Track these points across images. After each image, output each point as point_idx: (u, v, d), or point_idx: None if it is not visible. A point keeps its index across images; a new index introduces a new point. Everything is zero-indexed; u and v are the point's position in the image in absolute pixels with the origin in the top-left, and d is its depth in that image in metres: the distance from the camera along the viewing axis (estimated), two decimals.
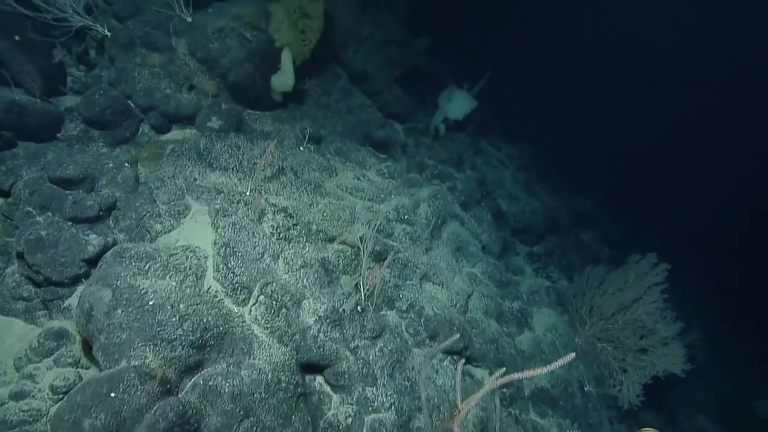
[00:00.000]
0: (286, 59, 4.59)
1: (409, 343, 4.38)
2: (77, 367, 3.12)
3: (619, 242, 10.44)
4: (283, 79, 4.71)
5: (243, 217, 3.94)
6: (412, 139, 7.01)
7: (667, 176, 14.93)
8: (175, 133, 4.51)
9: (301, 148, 5.06)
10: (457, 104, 7.03)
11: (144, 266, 3.23)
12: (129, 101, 4.39)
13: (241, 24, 4.68)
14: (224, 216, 3.89)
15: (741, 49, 18.53)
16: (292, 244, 4.05)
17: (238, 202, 4.04)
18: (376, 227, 4.74)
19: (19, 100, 3.72)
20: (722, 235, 13.22)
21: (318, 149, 5.33)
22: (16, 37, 4.05)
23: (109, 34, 4.57)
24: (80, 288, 3.37)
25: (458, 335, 3.12)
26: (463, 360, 4.39)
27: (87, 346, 3.02)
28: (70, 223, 3.38)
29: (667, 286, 6.06)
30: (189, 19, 4.90)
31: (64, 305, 3.32)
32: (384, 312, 4.40)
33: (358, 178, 5.25)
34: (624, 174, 13.44)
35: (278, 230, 4.03)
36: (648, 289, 5.69)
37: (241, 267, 3.63)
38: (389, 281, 4.56)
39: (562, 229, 9.15)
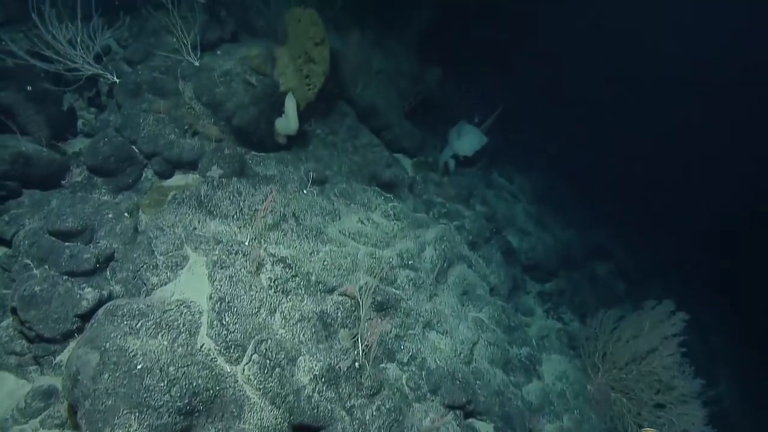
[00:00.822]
0: (290, 105, 4.58)
1: (410, 398, 4.23)
2: (63, 429, 3.07)
3: (636, 276, 10.14)
4: (287, 124, 4.70)
5: (240, 269, 3.89)
6: (420, 174, 6.93)
7: (687, 205, 14.53)
8: (178, 179, 4.52)
9: (305, 191, 5.02)
10: (467, 140, 6.95)
11: (136, 325, 3.18)
12: (134, 146, 4.43)
13: (246, 68, 4.70)
14: (221, 268, 3.84)
15: (741, 50, 18.10)
16: (290, 296, 3.97)
17: (236, 253, 3.99)
18: (377, 275, 4.64)
19: (25, 150, 3.77)
20: (747, 264, 12.78)
21: (322, 191, 5.29)
22: (29, 87, 4.14)
23: (117, 80, 4.64)
24: (72, 344, 3.33)
25: (450, 416, 2.97)
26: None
27: (73, 410, 2.97)
28: (66, 277, 3.37)
29: (685, 338, 5.79)
30: (197, 63, 4.96)
31: (55, 361, 3.28)
32: (384, 365, 4.27)
33: (362, 222, 5.17)
34: (642, 200, 13.13)
35: (276, 282, 3.96)
36: (664, 340, 5.43)
37: (235, 323, 3.56)
38: (390, 332, 4.44)
39: (576, 264, 8.92)
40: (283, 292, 3.97)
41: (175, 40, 4.78)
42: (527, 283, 7.56)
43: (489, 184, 8.36)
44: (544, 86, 13.81)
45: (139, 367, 2.92)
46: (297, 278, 4.09)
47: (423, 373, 4.41)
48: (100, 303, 3.39)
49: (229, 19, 6.31)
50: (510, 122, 12.38)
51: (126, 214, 3.90)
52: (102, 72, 4.50)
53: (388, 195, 5.98)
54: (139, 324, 3.19)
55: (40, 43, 4.06)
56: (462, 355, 4.84)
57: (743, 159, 16.45)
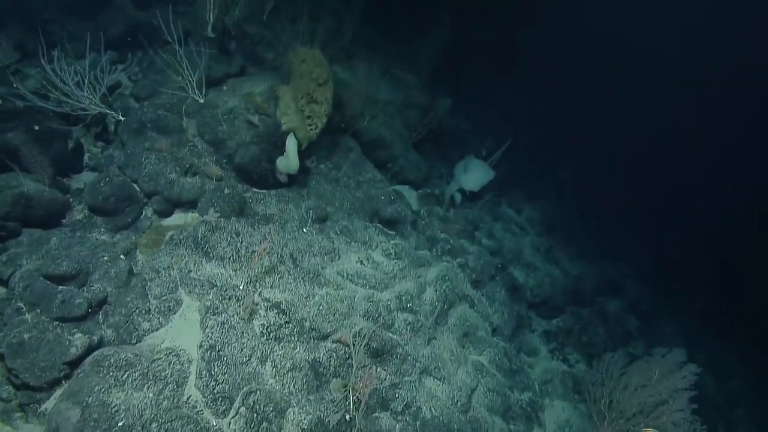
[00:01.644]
0: (291, 145, 4.58)
1: None
2: None
3: (649, 312, 9.84)
4: (287, 164, 4.69)
5: (233, 316, 3.85)
6: (425, 208, 6.86)
7: (705, 232, 14.11)
8: (177, 218, 4.53)
9: (305, 230, 4.99)
10: (474, 175, 6.87)
11: (122, 376, 3.15)
12: (135, 185, 4.46)
13: (248, 108, 4.73)
14: (214, 314, 3.81)
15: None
16: (282, 344, 3.91)
17: (230, 299, 3.96)
18: (374, 320, 4.56)
19: (27, 191, 3.81)
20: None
21: (323, 229, 5.25)
22: (36, 127, 4.21)
23: (122, 118, 4.70)
24: (58, 391, 3.31)
25: None
26: None
27: None
28: (56, 323, 3.37)
29: (699, 381, 5.56)
30: (201, 101, 5.00)
31: (41, 409, 3.26)
32: (377, 414, 4.16)
33: (362, 262, 5.11)
34: (657, 228, 12.79)
35: (269, 329, 3.91)
36: (675, 393, 5.20)
37: (225, 373, 3.51)
38: (385, 379, 4.34)
39: (585, 300, 8.69)
40: (275, 340, 3.91)
41: (180, 78, 4.83)
42: (533, 321, 7.38)
43: (496, 216, 8.24)
44: (556, 112, 13.74)
45: (120, 424, 2.88)
46: (290, 324, 4.03)
47: (417, 423, 4.28)
48: (90, 349, 3.37)
49: (237, 52, 6.42)
50: (522, 148, 12.34)
51: (122, 256, 3.90)
52: (108, 110, 4.57)
53: (390, 232, 5.92)
54: (126, 375, 3.15)
55: (48, 84, 4.14)
56: (459, 403, 4.70)
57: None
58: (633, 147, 15.10)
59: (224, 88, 5.39)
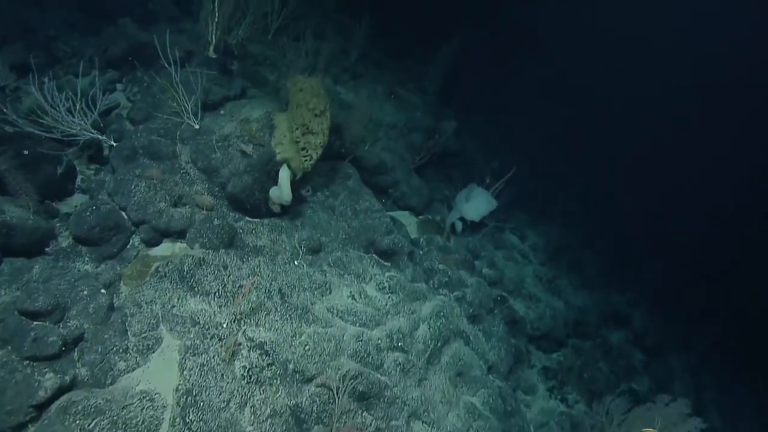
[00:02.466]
0: (284, 177, 4.46)
1: None
2: None
3: (656, 345, 9.52)
4: (280, 195, 4.57)
5: (214, 357, 3.71)
6: (425, 237, 6.70)
7: (717, 259, 13.68)
8: (165, 248, 4.42)
9: (296, 262, 4.86)
10: (475, 205, 6.71)
11: (89, 425, 3.02)
12: (124, 212, 4.37)
13: (243, 137, 4.62)
14: (194, 355, 3.67)
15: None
16: (263, 387, 3.76)
17: (211, 338, 3.82)
18: (362, 361, 4.40)
19: (8, 220, 3.73)
20: None
21: (316, 260, 5.11)
22: (25, 152, 4.14)
23: (114, 144, 4.63)
24: None
25: None
26: None
27: None
28: (27, 362, 3.26)
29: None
30: (196, 126, 4.91)
31: None
32: None
33: (354, 297, 4.96)
34: (668, 255, 12.43)
35: (250, 372, 3.76)
36: None
37: (200, 420, 3.37)
38: (370, 424, 4.16)
39: (588, 332, 8.44)
40: (256, 383, 3.76)
41: (175, 104, 4.75)
42: (532, 355, 7.16)
43: (499, 244, 8.05)
44: (563, 132, 13.57)
45: None
46: (273, 366, 3.88)
47: None
48: (61, 390, 3.25)
49: (239, 73, 6.34)
50: (529, 168, 12.15)
51: (103, 290, 3.79)
52: (100, 136, 4.49)
53: (386, 263, 5.76)
54: (93, 424, 3.03)
55: (38, 110, 4.07)
56: None
57: None
58: (643, 165, 14.81)
59: (222, 112, 5.30)
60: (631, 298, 10.54)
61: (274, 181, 4.70)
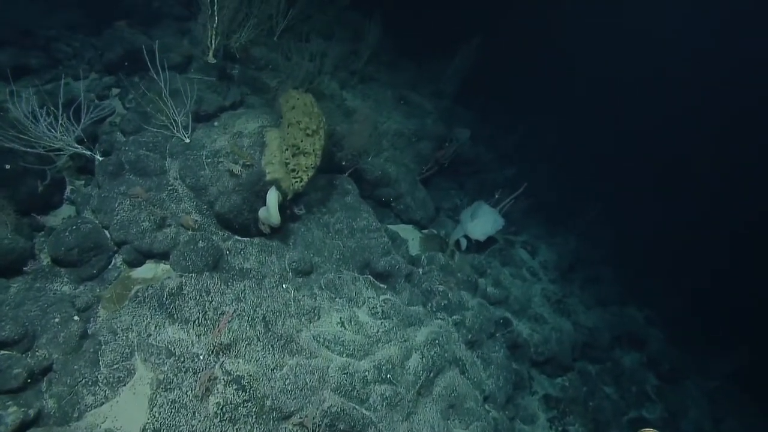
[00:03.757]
0: (272, 199, 4.25)
1: None
2: None
3: (672, 370, 9.06)
4: (268, 217, 4.37)
5: (187, 392, 3.56)
6: (426, 254, 6.42)
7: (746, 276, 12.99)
8: (147, 270, 4.27)
9: (284, 286, 4.66)
10: (480, 224, 6.39)
11: None
12: (106, 231, 4.23)
13: (230, 155, 4.42)
14: (166, 390, 3.53)
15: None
16: (237, 426, 3.60)
17: (186, 371, 3.67)
18: (346, 395, 4.21)
19: None
20: None
21: (307, 282, 4.91)
22: (7, 166, 4.03)
23: (100, 159, 4.48)
24: None
25: None
26: None
27: None
28: None
29: None
30: (187, 140, 4.73)
31: None
32: None
33: (344, 324, 4.75)
34: (695, 266, 11.75)
35: (224, 409, 3.60)
36: None
37: None
38: None
39: (598, 355, 8.09)
40: (230, 421, 3.60)
41: (164, 118, 4.57)
42: (535, 381, 6.87)
43: (506, 260, 7.72)
44: (585, 136, 13.03)
45: None
46: (249, 403, 3.71)
47: None
48: (23, 426, 3.15)
49: (240, 79, 6.13)
50: (546, 175, 11.72)
51: (76, 317, 3.67)
52: (85, 151, 4.35)
53: (381, 285, 5.53)
54: None
55: (19, 126, 3.93)
56: None
57: None
58: (675, 171, 14.12)
59: (216, 124, 5.10)
60: (650, 316, 10.10)
61: (264, 201, 4.49)
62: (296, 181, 4.32)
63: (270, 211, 4.29)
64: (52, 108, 4.05)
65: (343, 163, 6.05)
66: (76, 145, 4.26)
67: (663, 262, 11.46)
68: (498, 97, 12.78)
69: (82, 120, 4.28)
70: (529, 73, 13.63)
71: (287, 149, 4.21)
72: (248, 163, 4.38)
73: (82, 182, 4.93)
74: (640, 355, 9.01)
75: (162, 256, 4.30)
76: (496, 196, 7.02)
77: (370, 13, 10.73)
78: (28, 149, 4.03)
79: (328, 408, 3.99)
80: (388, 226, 6.66)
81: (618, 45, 14.56)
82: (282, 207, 4.55)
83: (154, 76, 4.73)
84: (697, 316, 10.39)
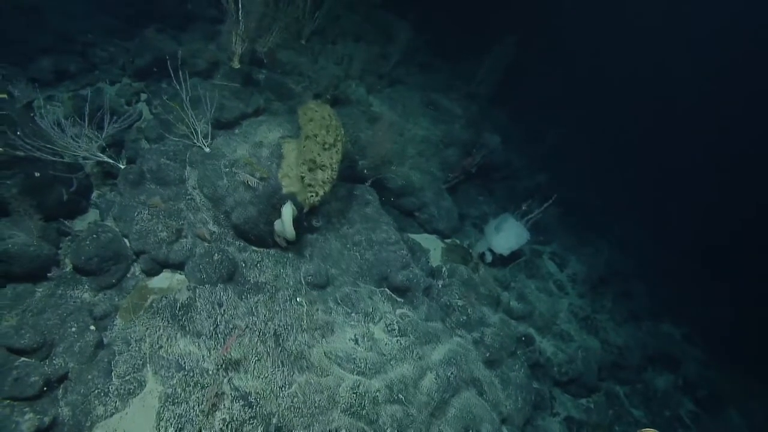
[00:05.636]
0: (287, 213, 4.20)
1: None
2: None
3: (710, 395, 8.54)
4: (282, 231, 4.33)
5: (194, 407, 3.58)
6: (448, 266, 6.25)
7: None
8: (163, 279, 4.32)
9: (298, 300, 4.63)
10: (505, 238, 6.16)
11: None
12: (126, 239, 4.31)
13: (247, 169, 4.39)
14: (174, 404, 3.56)
15: None
16: None
17: (194, 385, 3.69)
18: (356, 415, 4.14)
19: (10, 249, 3.74)
20: None
21: (322, 295, 4.86)
22: (37, 174, 4.15)
23: (123, 166, 4.56)
24: None
25: None
26: None
27: None
28: (7, 402, 3.26)
29: None
30: (207, 149, 4.74)
31: None
32: None
33: (357, 340, 4.68)
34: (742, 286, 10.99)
35: (229, 426, 3.60)
36: None
37: None
38: None
39: (628, 375, 7.70)
40: None
41: (184, 127, 4.59)
42: (557, 401, 6.60)
43: (533, 272, 7.44)
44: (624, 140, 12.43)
45: None
46: (255, 420, 3.70)
47: None
48: (38, 431, 3.25)
49: (265, 84, 6.10)
50: (580, 184, 11.26)
51: (92, 327, 3.75)
52: (108, 159, 4.43)
53: (399, 300, 5.41)
54: None
55: (47, 136, 4.04)
56: None
57: None
58: (725, 175, 13.28)
59: (236, 132, 5.11)
60: (688, 333, 9.55)
61: (280, 213, 4.45)
62: (311, 196, 4.26)
63: (285, 225, 4.25)
64: (77, 118, 4.13)
65: (366, 171, 5.95)
66: (99, 154, 4.34)
67: (704, 271, 10.81)
68: (535, 96, 12.34)
69: (105, 129, 4.34)
70: (568, 71, 13.10)
71: (304, 163, 4.15)
72: (264, 175, 4.35)
73: (108, 188, 5.04)
74: (675, 377, 8.53)
75: (178, 267, 4.34)
76: (524, 207, 6.74)
77: (403, 12, 10.54)
78: (56, 159, 4.12)
79: (335, 429, 3.94)
80: (411, 235, 6.53)
81: (654, 43, 13.75)
82: (298, 220, 4.50)
83: (182, 80, 4.77)
84: (742, 332, 9.68)
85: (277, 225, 4.44)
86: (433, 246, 6.67)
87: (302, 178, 4.16)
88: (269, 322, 4.29)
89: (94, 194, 4.97)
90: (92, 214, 4.90)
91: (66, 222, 4.59)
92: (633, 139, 12.61)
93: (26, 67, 5.84)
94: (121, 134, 5.15)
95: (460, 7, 12.27)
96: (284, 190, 4.30)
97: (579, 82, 12.58)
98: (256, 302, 4.36)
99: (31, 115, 4.59)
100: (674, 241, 11.19)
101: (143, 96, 5.81)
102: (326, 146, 4.22)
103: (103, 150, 4.49)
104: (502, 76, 10.33)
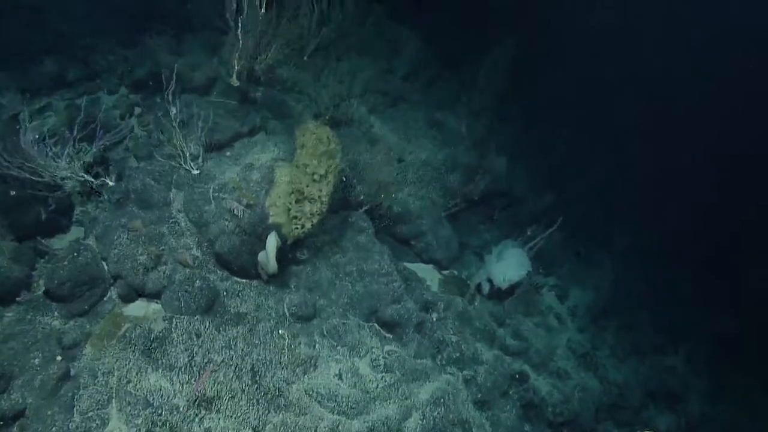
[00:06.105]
0: (270, 246, 4.02)
1: None
2: None
3: None
4: (266, 264, 4.14)
5: None
6: (444, 298, 6.02)
7: None
8: (139, 307, 4.14)
9: (280, 332, 4.42)
10: (505, 268, 5.92)
11: None
12: (105, 262, 4.14)
13: (234, 195, 4.22)
14: None
15: None
16: None
17: (162, 425, 3.49)
18: None
19: None
20: None
21: (307, 328, 4.65)
22: (12, 192, 4.01)
23: (112, 183, 4.41)
24: None
25: None
26: None
27: None
28: None
29: None
30: (195, 172, 4.58)
31: None
32: None
33: (341, 376, 4.46)
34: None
35: None
36: None
37: None
38: None
39: (627, 416, 7.39)
40: None
41: (173, 149, 4.44)
42: None
43: (531, 307, 7.15)
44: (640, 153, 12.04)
45: None
46: None
47: None
48: None
49: (263, 102, 5.95)
50: (588, 205, 10.94)
51: (59, 357, 3.58)
52: (91, 181, 4.29)
53: (387, 335, 5.19)
54: None
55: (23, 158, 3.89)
56: None
57: None
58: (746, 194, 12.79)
59: (228, 154, 4.95)
60: (693, 367, 9.16)
61: (264, 245, 4.26)
62: (297, 229, 4.07)
63: (268, 258, 4.06)
64: (66, 132, 4.00)
65: (362, 197, 5.75)
66: (81, 174, 4.20)
67: (715, 296, 10.42)
68: (542, 104, 11.98)
69: (92, 149, 4.20)
70: (577, 76, 12.69)
71: (291, 193, 3.96)
72: (251, 202, 4.17)
73: (93, 204, 4.89)
74: (677, 418, 8.21)
75: (155, 295, 4.15)
76: (529, 233, 6.49)
77: (411, 24, 10.33)
78: (35, 178, 3.98)
79: None
80: (408, 265, 6.32)
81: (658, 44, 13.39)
82: (283, 252, 4.31)
83: (167, 105, 4.62)
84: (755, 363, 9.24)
85: (261, 256, 4.25)
86: (430, 277, 6.43)
87: (289, 209, 3.97)
88: (247, 357, 4.09)
89: (78, 211, 4.82)
90: (75, 232, 4.74)
91: (43, 241, 4.44)
92: (634, 140, 12.19)
93: (26, 71, 5.75)
94: (111, 149, 5.01)
95: (470, 14, 12.00)
96: (270, 220, 4.11)
97: (585, 81, 12.19)
98: (235, 335, 4.16)
99: (17, 127, 4.46)
100: (678, 246, 10.67)
101: (138, 110, 5.67)
102: (316, 178, 4.03)
103: (90, 167, 4.35)
104: (506, 82, 10.02)
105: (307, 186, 4.03)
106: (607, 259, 9.42)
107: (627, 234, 9.68)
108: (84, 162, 4.21)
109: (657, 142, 12.61)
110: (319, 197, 4.08)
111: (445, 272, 6.59)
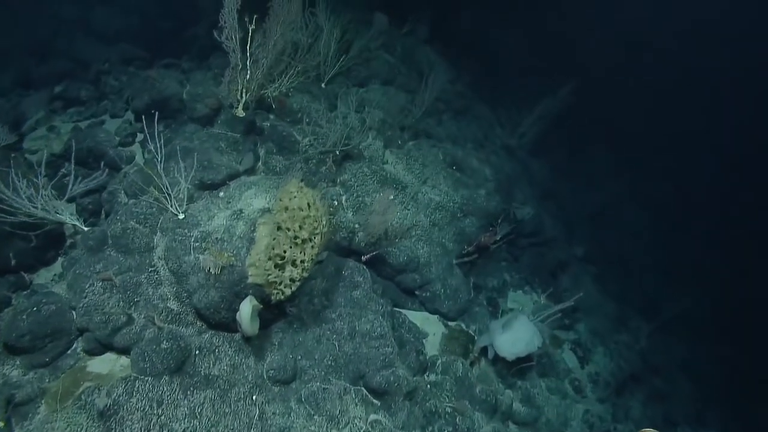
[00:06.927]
0: (245, 311, 3.68)
1: None
2: None
3: None
4: (242, 328, 3.80)
5: None
6: (444, 359, 5.52)
7: None
8: (104, 363, 3.89)
9: (254, 398, 4.08)
10: (511, 339, 5.36)
11: None
12: (73, 312, 3.91)
13: (212, 252, 3.90)
14: None
15: None
16: None
17: None
18: None
19: None
20: None
21: (284, 392, 4.29)
22: None
23: (85, 228, 4.19)
24: None
25: None
26: None
27: None
28: None
29: None
30: (181, 216, 4.30)
31: None
32: None
33: None
34: None
35: None
36: None
37: None
38: None
39: None
40: None
41: (157, 193, 4.17)
42: None
43: (546, 370, 6.53)
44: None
45: None
46: None
47: None
48: None
49: (269, 134, 5.64)
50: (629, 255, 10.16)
51: (1, 423, 3.36)
52: (68, 220, 4.08)
53: (375, 402, 4.75)
54: None
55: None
56: None
57: None
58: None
59: (221, 195, 4.65)
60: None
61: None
62: (277, 294, 3.70)
63: (242, 323, 3.72)
64: (38, 172, 3.81)
65: (363, 245, 5.34)
66: (59, 215, 3.99)
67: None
68: (585, 147, 11.36)
69: (70, 188, 4.00)
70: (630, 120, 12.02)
71: (270, 258, 3.60)
72: (229, 263, 3.85)
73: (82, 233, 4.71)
74: None
75: (123, 351, 3.89)
76: (546, 293, 5.87)
77: (450, 50, 9.86)
78: (8, 218, 3.80)
79: None
80: (411, 313, 5.87)
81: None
82: (262, 313, 3.96)
83: (174, 129, 4.38)
84: None
85: (239, 316, 3.91)
86: (433, 330, 5.94)
87: (268, 274, 3.61)
88: (212, 428, 3.76)
89: (68, 243, 4.66)
90: (60, 265, 4.59)
91: (26, 276, 4.29)
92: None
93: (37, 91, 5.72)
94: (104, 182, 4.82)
95: (514, 46, 11.46)
96: (249, 280, 3.77)
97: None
98: (203, 401, 3.84)
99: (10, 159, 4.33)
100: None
101: (140, 135, 5.49)
102: (297, 242, 3.66)
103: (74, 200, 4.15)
104: (549, 127, 9.50)
105: (290, 248, 3.66)
106: (644, 325, 8.59)
107: (675, 302, 8.79)
108: (65, 199, 4.01)
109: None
110: (301, 261, 3.70)
111: (452, 324, 6.08)
